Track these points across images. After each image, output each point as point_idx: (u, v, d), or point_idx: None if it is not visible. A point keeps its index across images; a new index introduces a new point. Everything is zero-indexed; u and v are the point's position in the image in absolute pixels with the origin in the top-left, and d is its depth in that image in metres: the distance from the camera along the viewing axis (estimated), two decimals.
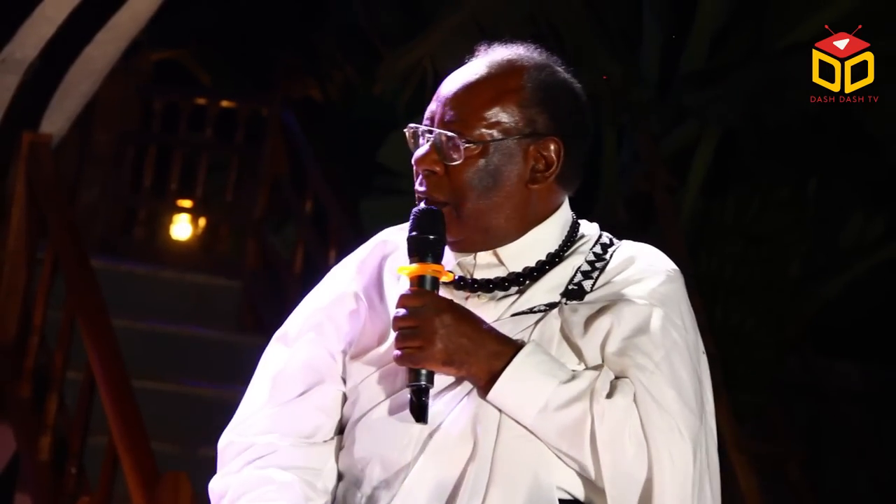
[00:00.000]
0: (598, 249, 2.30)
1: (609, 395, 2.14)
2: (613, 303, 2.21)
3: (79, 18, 5.64)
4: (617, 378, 2.17)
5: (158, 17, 5.85)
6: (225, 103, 8.37)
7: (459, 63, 2.34)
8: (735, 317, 7.50)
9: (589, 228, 2.34)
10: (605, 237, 2.33)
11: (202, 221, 8.80)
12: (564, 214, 2.31)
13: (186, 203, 8.38)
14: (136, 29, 5.79)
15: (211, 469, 2.34)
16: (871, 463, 7.60)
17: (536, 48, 2.32)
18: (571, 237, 2.31)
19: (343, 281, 2.36)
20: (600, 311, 2.21)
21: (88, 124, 8.15)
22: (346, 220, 7.14)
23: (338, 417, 2.31)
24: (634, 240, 2.36)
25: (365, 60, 9.18)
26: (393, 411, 2.23)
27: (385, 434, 2.22)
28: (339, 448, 2.29)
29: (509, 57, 2.29)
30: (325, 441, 2.30)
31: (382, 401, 2.25)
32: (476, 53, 2.33)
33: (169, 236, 8.79)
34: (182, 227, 8.76)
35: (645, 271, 2.26)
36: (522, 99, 2.26)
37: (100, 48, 5.74)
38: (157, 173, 8.27)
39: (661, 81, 8.07)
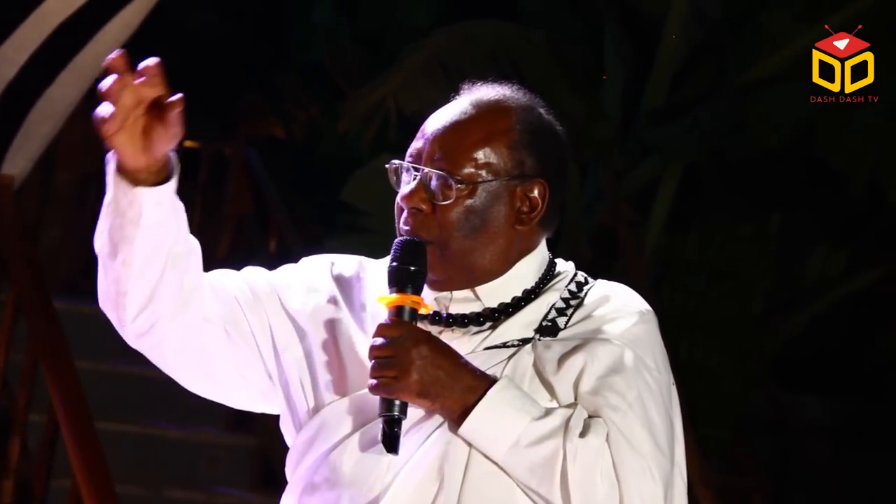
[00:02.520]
0: (572, 287, 2.31)
1: (582, 434, 2.14)
2: (587, 341, 2.22)
3: (41, 59, 5.64)
4: (590, 417, 2.17)
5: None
6: (188, 143, 8.35)
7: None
8: (699, 352, 7.52)
9: (564, 267, 2.35)
10: (580, 276, 2.34)
11: None
12: (542, 253, 2.33)
13: None
14: (99, 69, 5.78)
15: None
16: (836, 496, 7.62)
17: (519, 88, 2.33)
18: (548, 275, 2.32)
19: (316, 284, 2.36)
20: (574, 350, 2.21)
21: (51, 165, 8.13)
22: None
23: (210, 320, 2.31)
24: (598, 275, 2.38)
25: (328, 99, 9.20)
26: (362, 446, 2.22)
27: (353, 469, 2.21)
28: (303, 483, 2.28)
29: (496, 97, 2.30)
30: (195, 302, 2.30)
31: (350, 434, 2.24)
32: (460, 91, 2.34)
33: None
34: None
35: (619, 311, 2.27)
36: (512, 140, 2.27)
37: (62, 89, 5.72)
38: None
39: (623, 118, 8.12)
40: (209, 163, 8.17)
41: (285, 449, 2.38)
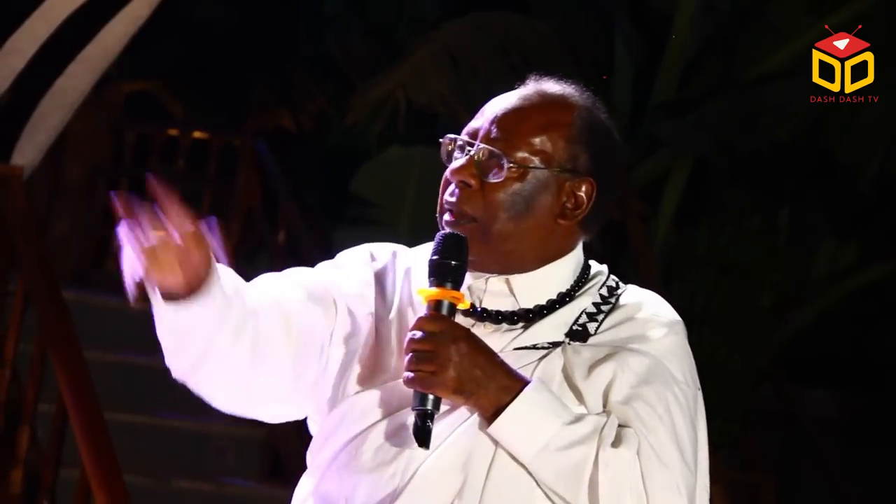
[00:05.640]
0: (604, 292, 2.31)
1: (615, 445, 2.15)
2: (617, 350, 2.22)
3: (50, 51, 5.65)
4: (621, 426, 2.17)
5: (130, 49, 5.85)
6: (197, 135, 8.37)
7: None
8: (708, 346, 7.52)
9: (598, 268, 2.36)
10: (612, 280, 2.34)
11: None
12: (578, 255, 2.33)
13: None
14: (108, 61, 5.79)
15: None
16: (844, 489, 7.62)
17: (584, 90, 2.34)
18: (582, 278, 2.32)
19: (364, 276, 2.33)
20: (605, 358, 2.21)
21: (60, 156, 8.14)
22: (319, 251, 7.13)
23: (288, 319, 2.24)
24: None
25: (337, 91, 9.20)
26: (385, 435, 2.22)
27: (374, 457, 2.21)
28: (322, 469, 2.28)
29: (561, 92, 2.31)
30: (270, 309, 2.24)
31: (375, 423, 2.23)
32: (526, 82, 2.34)
33: None
34: None
35: (650, 321, 2.27)
36: (570, 134, 2.28)
37: (71, 80, 5.73)
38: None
39: (632, 112, 8.11)
40: (218, 154, 8.18)
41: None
